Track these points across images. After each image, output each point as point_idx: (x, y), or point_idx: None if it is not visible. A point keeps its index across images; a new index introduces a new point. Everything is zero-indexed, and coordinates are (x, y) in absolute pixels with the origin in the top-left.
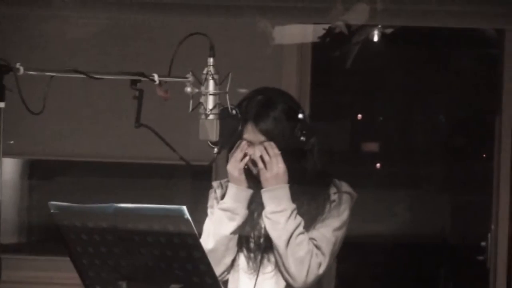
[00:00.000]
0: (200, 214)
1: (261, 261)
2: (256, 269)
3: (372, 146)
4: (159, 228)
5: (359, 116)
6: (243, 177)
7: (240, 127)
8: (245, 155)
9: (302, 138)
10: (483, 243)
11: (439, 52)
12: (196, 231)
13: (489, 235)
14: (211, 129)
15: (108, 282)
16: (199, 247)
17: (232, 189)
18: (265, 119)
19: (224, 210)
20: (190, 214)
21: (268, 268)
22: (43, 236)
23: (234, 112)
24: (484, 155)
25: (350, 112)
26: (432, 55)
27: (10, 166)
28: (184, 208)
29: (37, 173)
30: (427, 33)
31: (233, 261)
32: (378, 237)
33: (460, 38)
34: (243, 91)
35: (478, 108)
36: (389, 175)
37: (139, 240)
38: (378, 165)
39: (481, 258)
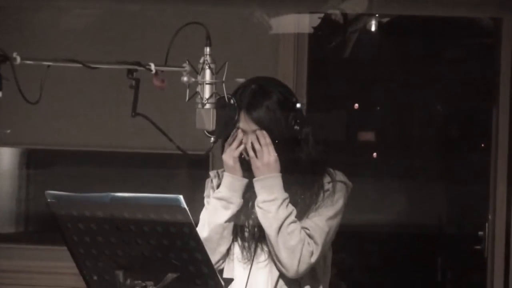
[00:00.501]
0: (196, 204)
1: (255, 251)
2: (250, 258)
3: (368, 136)
4: (156, 218)
5: (356, 105)
6: (238, 166)
7: (236, 117)
8: (240, 144)
9: (296, 127)
10: (480, 233)
11: (436, 42)
12: (192, 220)
13: (486, 224)
14: (207, 118)
15: (105, 271)
16: (196, 236)
17: (227, 178)
18: (258, 108)
19: (219, 199)
20: (187, 204)
21: (262, 258)
22: (40, 226)
23: (231, 101)
24: (482, 145)
25: (347, 102)
26: (429, 45)
27: (8, 156)
28: (181, 197)
29: (35, 162)
30: (424, 23)
31: (228, 250)
32: (375, 227)
33: (457, 28)
34: (240, 80)
35: (476, 98)
36: (386, 165)
37: (136, 230)
38: (374, 154)
39: (478, 247)
